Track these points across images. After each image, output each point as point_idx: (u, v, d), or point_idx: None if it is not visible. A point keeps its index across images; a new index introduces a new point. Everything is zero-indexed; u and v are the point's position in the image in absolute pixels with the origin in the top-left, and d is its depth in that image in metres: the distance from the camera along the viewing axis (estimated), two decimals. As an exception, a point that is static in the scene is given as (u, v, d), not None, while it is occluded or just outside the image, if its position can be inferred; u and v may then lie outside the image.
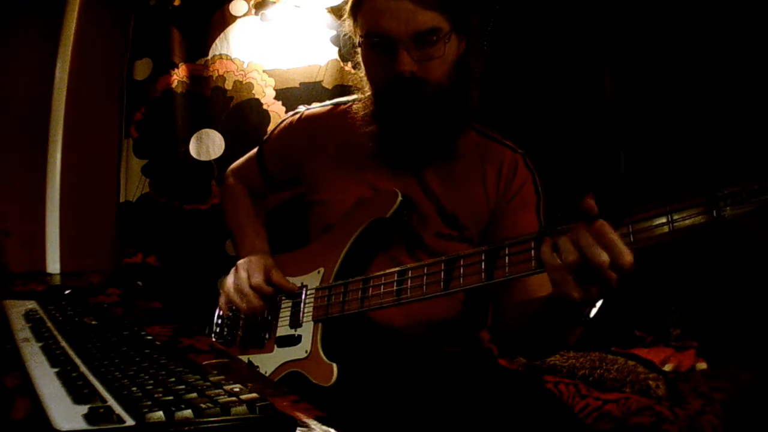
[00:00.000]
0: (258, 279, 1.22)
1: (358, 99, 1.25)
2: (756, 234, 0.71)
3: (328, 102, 1.39)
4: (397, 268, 1.05)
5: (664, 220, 0.78)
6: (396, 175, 1.20)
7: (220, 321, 1.32)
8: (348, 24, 1.19)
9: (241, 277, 1.23)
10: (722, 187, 0.74)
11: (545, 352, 1.32)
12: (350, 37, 1.21)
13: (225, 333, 1.30)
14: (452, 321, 1.20)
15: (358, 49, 1.18)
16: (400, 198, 1.14)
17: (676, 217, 0.77)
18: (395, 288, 1.03)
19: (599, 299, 0.82)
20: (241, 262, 1.28)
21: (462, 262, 0.96)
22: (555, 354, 1.65)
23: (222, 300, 1.29)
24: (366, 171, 1.23)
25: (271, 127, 1.90)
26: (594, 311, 0.88)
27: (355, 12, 1.15)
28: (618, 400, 1.44)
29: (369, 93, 1.20)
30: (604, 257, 0.76)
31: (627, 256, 0.76)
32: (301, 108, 1.39)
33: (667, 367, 1.66)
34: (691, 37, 1.80)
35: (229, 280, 1.27)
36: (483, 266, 0.93)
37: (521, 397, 1.02)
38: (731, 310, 1.75)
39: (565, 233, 0.80)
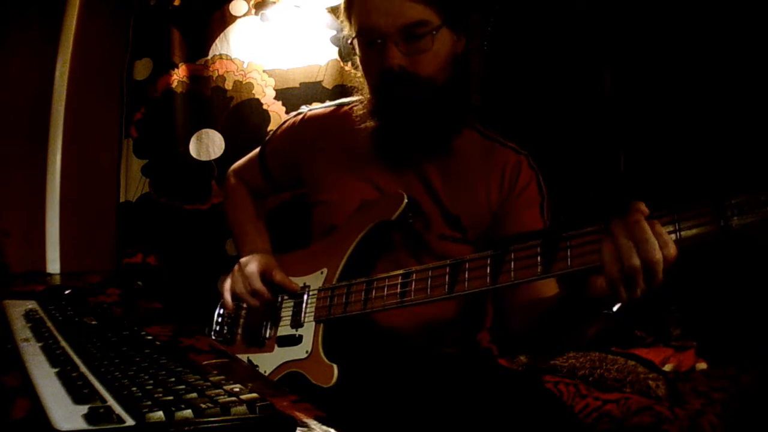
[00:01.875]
0: (256, 281, 1.21)
1: (360, 100, 1.25)
2: (761, 242, 0.72)
3: (331, 102, 1.39)
4: (402, 271, 1.04)
5: (671, 228, 0.78)
6: (398, 175, 1.20)
7: (220, 320, 1.31)
8: (345, 25, 1.20)
9: (239, 278, 1.23)
10: (730, 197, 0.74)
11: (559, 350, 1.32)
12: (348, 38, 1.21)
13: (225, 332, 1.29)
14: (451, 322, 1.20)
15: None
16: (405, 201, 1.13)
17: (682, 225, 0.78)
18: (399, 290, 1.03)
19: (643, 294, 0.82)
20: (241, 260, 1.28)
21: (467, 266, 0.96)
22: (569, 351, 1.64)
23: (222, 300, 1.28)
24: (369, 171, 1.23)
25: (272, 127, 1.91)
26: (617, 306, 0.87)
27: (348, 11, 1.16)
28: (618, 400, 1.44)
29: (368, 91, 1.20)
30: (656, 248, 0.77)
31: (672, 248, 0.77)
32: (304, 108, 1.39)
33: (667, 367, 1.65)
34: (694, 36, 1.80)
35: (228, 280, 1.26)
36: (488, 270, 0.93)
37: (521, 398, 1.02)
38: (731, 310, 1.75)
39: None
